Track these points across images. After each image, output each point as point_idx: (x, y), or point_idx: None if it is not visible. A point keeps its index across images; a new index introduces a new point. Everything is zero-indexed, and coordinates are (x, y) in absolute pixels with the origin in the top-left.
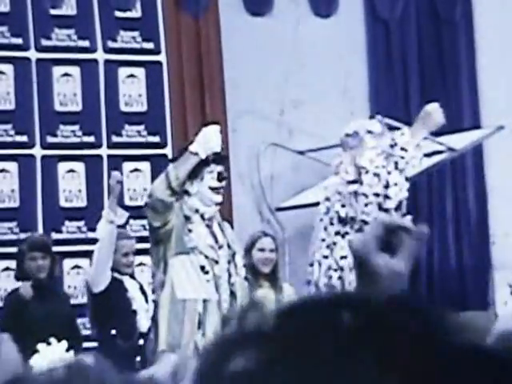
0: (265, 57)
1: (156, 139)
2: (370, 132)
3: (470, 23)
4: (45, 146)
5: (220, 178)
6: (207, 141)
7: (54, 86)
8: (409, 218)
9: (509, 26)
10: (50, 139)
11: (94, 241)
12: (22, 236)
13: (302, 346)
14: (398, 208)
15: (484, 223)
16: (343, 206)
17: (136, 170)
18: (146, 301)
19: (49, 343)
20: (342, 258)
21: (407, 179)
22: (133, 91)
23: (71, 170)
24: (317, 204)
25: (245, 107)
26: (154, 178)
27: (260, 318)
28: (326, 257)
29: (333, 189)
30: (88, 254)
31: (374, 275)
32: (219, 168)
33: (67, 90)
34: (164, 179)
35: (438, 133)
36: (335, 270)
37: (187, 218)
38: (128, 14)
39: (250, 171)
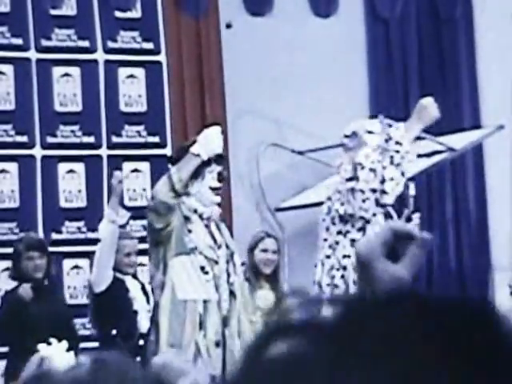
0: (265, 57)
1: (156, 139)
2: (369, 132)
3: (470, 23)
4: (45, 146)
5: (220, 178)
6: (209, 142)
7: (53, 87)
8: (417, 215)
9: (509, 25)
10: (49, 139)
11: (93, 241)
12: (21, 236)
13: (356, 342)
14: (405, 205)
15: (484, 223)
16: (342, 204)
17: (136, 170)
18: (148, 301)
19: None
20: (345, 257)
21: (403, 174)
22: (133, 91)
23: (71, 171)
24: (316, 204)
25: (245, 107)
26: (153, 178)
27: (306, 309)
28: (328, 256)
29: (333, 188)
30: (88, 255)
31: (376, 280)
32: (219, 168)
33: (67, 90)
34: (167, 181)
35: (437, 133)
36: (338, 270)
37: (186, 219)
38: (128, 15)
39: (250, 171)
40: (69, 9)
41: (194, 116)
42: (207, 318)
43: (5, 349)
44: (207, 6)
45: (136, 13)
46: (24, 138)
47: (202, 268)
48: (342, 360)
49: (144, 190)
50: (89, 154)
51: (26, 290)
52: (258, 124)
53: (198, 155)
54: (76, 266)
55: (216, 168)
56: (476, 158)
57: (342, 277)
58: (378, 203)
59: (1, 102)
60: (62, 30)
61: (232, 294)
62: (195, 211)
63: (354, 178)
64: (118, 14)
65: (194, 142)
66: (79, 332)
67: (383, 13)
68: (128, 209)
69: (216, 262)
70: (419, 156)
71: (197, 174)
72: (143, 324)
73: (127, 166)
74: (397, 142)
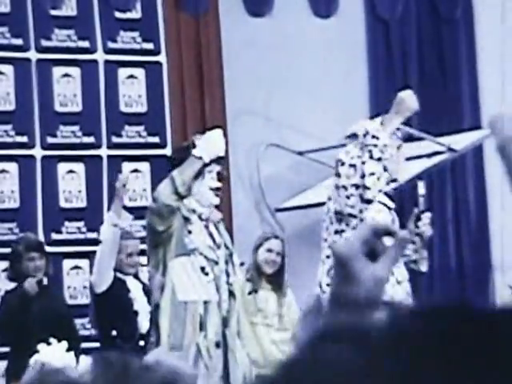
0: (265, 57)
1: (156, 140)
2: (368, 132)
3: (471, 23)
4: (45, 146)
5: (219, 177)
6: (212, 146)
7: (54, 87)
8: (427, 214)
9: (509, 25)
10: (50, 140)
11: (93, 241)
12: (19, 237)
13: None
14: (415, 205)
15: (484, 223)
16: (335, 202)
17: (136, 170)
18: (149, 302)
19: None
20: None
21: (385, 168)
22: (133, 92)
23: (71, 171)
24: (316, 205)
25: (244, 107)
26: (153, 178)
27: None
28: (328, 256)
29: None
30: (88, 255)
31: (353, 279)
32: (218, 168)
33: (67, 90)
34: (169, 184)
35: (438, 133)
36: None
37: (186, 220)
38: (128, 15)
39: (250, 172)
40: (69, 9)
41: (193, 116)
42: (208, 318)
43: (5, 349)
44: (207, 6)
45: (136, 13)
46: (24, 139)
47: (203, 269)
48: (391, 372)
49: (144, 190)
50: (89, 154)
51: (31, 284)
52: (257, 124)
53: (200, 158)
54: (76, 267)
55: (215, 168)
56: (476, 158)
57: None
58: (362, 199)
59: (1, 102)
60: (62, 31)
61: (231, 294)
62: (194, 211)
63: (336, 174)
64: (118, 14)
65: (193, 142)
66: (79, 332)
67: (383, 13)
68: (128, 209)
69: (216, 263)
70: (419, 157)
71: (197, 174)
72: (143, 325)
73: (127, 167)
74: (373, 136)
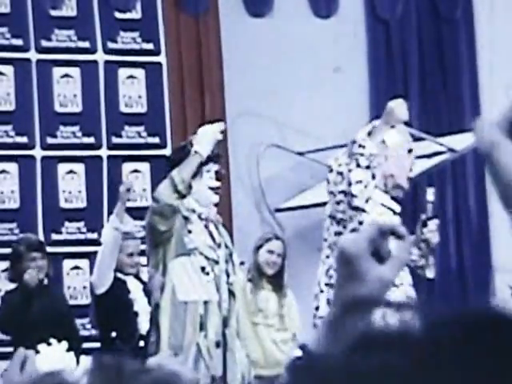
0: (264, 58)
1: (156, 140)
2: (355, 141)
3: (471, 23)
4: (45, 147)
5: (217, 176)
6: (207, 140)
7: (54, 87)
8: (434, 221)
9: (509, 25)
10: (50, 140)
11: (93, 242)
12: (20, 237)
13: (453, 356)
14: (423, 211)
15: (484, 224)
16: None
17: (136, 170)
18: (149, 302)
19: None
20: None
21: (374, 177)
22: (133, 92)
23: (71, 171)
24: (316, 205)
25: (244, 108)
26: (153, 179)
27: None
28: (327, 257)
29: None
30: (88, 255)
31: (358, 279)
32: (216, 167)
33: (67, 90)
34: (169, 183)
35: (438, 133)
36: (335, 270)
37: (186, 219)
38: (128, 15)
39: (250, 172)
40: (69, 9)
41: (193, 117)
42: (208, 318)
43: (5, 349)
44: (207, 6)
45: (136, 14)
46: (24, 139)
47: (203, 269)
48: (436, 377)
49: (144, 190)
50: (89, 154)
51: (31, 275)
52: (257, 125)
53: (196, 152)
54: (76, 267)
55: (213, 167)
56: (477, 158)
57: (330, 278)
58: (350, 206)
59: (1, 102)
60: (62, 31)
61: (231, 294)
62: (194, 211)
63: (327, 180)
64: (118, 14)
65: (191, 141)
66: (79, 332)
67: (383, 13)
68: (128, 209)
69: (216, 262)
70: (420, 157)
71: (195, 173)
72: (143, 326)
73: (127, 167)
74: (360, 145)
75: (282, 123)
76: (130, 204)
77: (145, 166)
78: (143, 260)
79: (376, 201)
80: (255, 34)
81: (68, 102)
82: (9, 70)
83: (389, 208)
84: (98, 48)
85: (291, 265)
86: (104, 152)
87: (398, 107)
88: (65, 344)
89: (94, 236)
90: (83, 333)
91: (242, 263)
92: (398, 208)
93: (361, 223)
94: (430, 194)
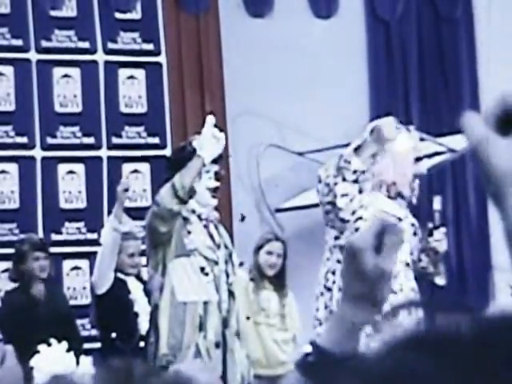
0: (265, 58)
1: (156, 140)
2: (342, 155)
3: (471, 23)
4: (45, 147)
5: (217, 177)
6: (210, 145)
7: (54, 88)
8: (442, 230)
9: (510, 25)
10: (50, 140)
11: (93, 242)
12: (22, 237)
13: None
14: (430, 219)
15: (484, 224)
16: None
17: (136, 171)
18: (150, 302)
19: (49, 344)
20: (339, 262)
21: (361, 191)
22: (133, 92)
23: (71, 172)
24: (316, 205)
25: (244, 108)
26: (153, 179)
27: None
28: (328, 259)
29: None
30: (88, 256)
31: (364, 273)
32: (215, 167)
33: (67, 91)
34: (170, 189)
35: (438, 134)
36: (333, 273)
37: (186, 220)
38: (128, 16)
39: (250, 172)
40: (69, 10)
41: (193, 117)
42: (207, 319)
43: None
44: (207, 6)
45: (136, 14)
46: (24, 139)
47: (202, 269)
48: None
49: (144, 191)
50: (89, 155)
51: (37, 288)
52: (257, 125)
53: (199, 157)
54: (76, 267)
55: (213, 167)
56: (476, 160)
57: (334, 282)
58: (337, 217)
59: (1, 102)
60: (62, 31)
61: (231, 294)
62: (193, 212)
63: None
64: (118, 15)
65: (190, 142)
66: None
67: (383, 13)
68: (128, 209)
69: (216, 263)
70: (419, 158)
71: None
72: (143, 326)
73: (127, 167)
74: (345, 160)
75: (282, 123)
76: (130, 204)
77: (145, 167)
78: (144, 260)
79: (377, 207)
80: (255, 34)
81: (68, 102)
82: (9, 70)
83: (392, 215)
84: (98, 48)
85: (291, 265)
86: (104, 152)
87: (386, 127)
88: (65, 344)
89: (94, 236)
90: (83, 333)
91: (241, 264)
92: (403, 214)
93: (357, 230)
94: (437, 203)
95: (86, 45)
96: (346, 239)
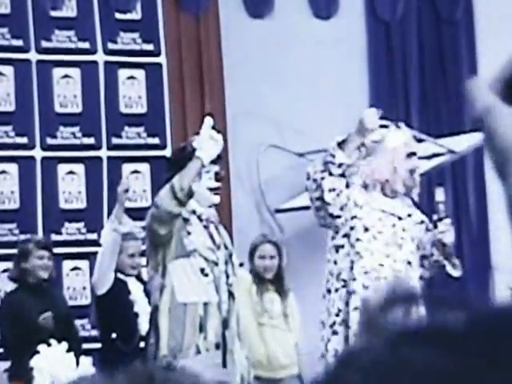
0: (265, 58)
1: (156, 141)
2: (327, 150)
3: (471, 23)
4: (45, 147)
5: (217, 177)
6: (209, 146)
7: (54, 88)
8: (446, 221)
9: (510, 26)
10: (49, 141)
11: (93, 242)
12: (22, 237)
13: (496, 353)
14: (435, 211)
15: (484, 224)
16: None
17: (136, 171)
18: (150, 303)
19: (49, 344)
20: (335, 263)
21: (348, 185)
22: (133, 93)
23: (71, 172)
24: None
25: (244, 108)
26: (153, 179)
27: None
28: (328, 260)
29: None
30: (87, 256)
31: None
32: (215, 168)
33: (67, 91)
34: (169, 190)
35: (438, 135)
36: (331, 275)
37: (186, 220)
38: (128, 16)
39: (250, 173)
40: (69, 10)
41: (193, 117)
42: (207, 320)
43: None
44: (207, 7)
45: (136, 14)
46: (24, 140)
47: (202, 270)
48: (486, 377)
49: (144, 191)
50: (89, 155)
51: (47, 319)
52: (257, 125)
53: (197, 157)
54: (75, 268)
55: (213, 168)
56: (476, 160)
57: (332, 284)
58: (327, 213)
59: (1, 103)
60: (62, 32)
61: (231, 295)
62: (193, 212)
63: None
64: (118, 15)
65: (190, 143)
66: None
67: (384, 14)
68: (128, 210)
69: (216, 264)
70: (420, 158)
71: None
72: (144, 327)
73: (127, 168)
74: (330, 155)
75: (282, 124)
76: (130, 205)
77: (145, 167)
78: (144, 261)
79: (373, 206)
80: (255, 34)
81: (68, 102)
82: (9, 70)
83: (391, 214)
84: (98, 49)
85: (291, 265)
86: (104, 153)
87: (367, 117)
88: (64, 345)
89: (94, 237)
90: (83, 333)
91: (241, 264)
92: (405, 212)
93: (352, 228)
94: (440, 194)
95: (86, 45)
96: (341, 239)
